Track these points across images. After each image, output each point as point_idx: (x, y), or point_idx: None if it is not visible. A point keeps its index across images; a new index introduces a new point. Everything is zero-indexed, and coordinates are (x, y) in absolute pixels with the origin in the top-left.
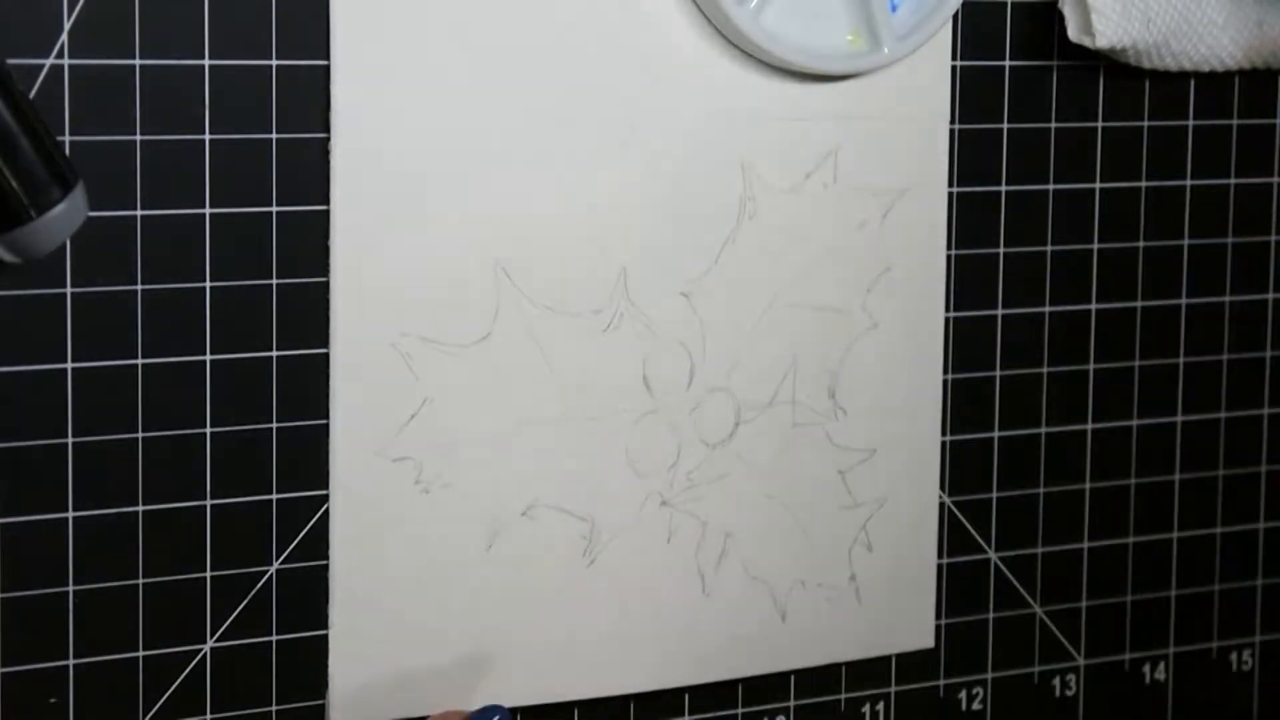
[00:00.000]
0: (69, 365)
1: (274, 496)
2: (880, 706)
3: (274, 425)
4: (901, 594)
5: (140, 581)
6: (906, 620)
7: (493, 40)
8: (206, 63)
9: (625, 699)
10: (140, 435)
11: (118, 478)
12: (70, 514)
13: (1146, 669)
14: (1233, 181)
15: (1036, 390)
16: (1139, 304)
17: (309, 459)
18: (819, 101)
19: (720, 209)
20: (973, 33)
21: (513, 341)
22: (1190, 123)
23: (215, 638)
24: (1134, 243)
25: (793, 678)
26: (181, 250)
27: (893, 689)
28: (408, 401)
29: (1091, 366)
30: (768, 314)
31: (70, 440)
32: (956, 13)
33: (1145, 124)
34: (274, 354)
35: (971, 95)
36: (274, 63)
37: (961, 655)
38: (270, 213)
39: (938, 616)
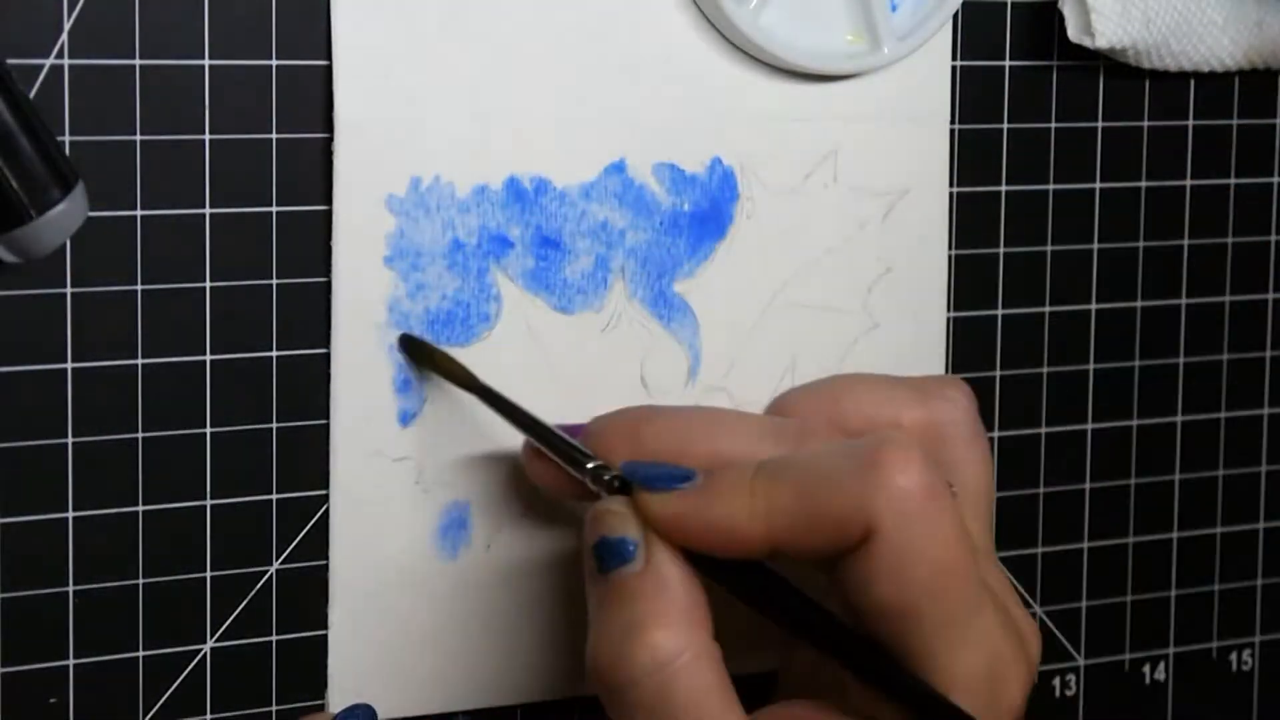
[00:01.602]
0: (69, 365)
1: (274, 496)
2: None
3: (274, 425)
4: None
5: (140, 581)
6: None
7: (493, 41)
8: (206, 63)
9: None
10: (140, 435)
11: (118, 478)
12: (70, 514)
13: (1146, 669)
14: (1233, 181)
15: (1036, 390)
16: (1139, 304)
17: (309, 459)
18: (819, 101)
19: (719, 209)
20: (973, 33)
21: (512, 341)
22: (1190, 123)
23: (215, 638)
24: (1134, 243)
25: None
26: (181, 250)
27: None
28: (407, 402)
29: (1091, 366)
30: (766, 314)
31: (70, 440)
32: (956, 13)
33: (1145, 124)
34: (274, 354)
35: (971, 95)
36: (274, 63)
37: None
38: (270, 213)
39: None
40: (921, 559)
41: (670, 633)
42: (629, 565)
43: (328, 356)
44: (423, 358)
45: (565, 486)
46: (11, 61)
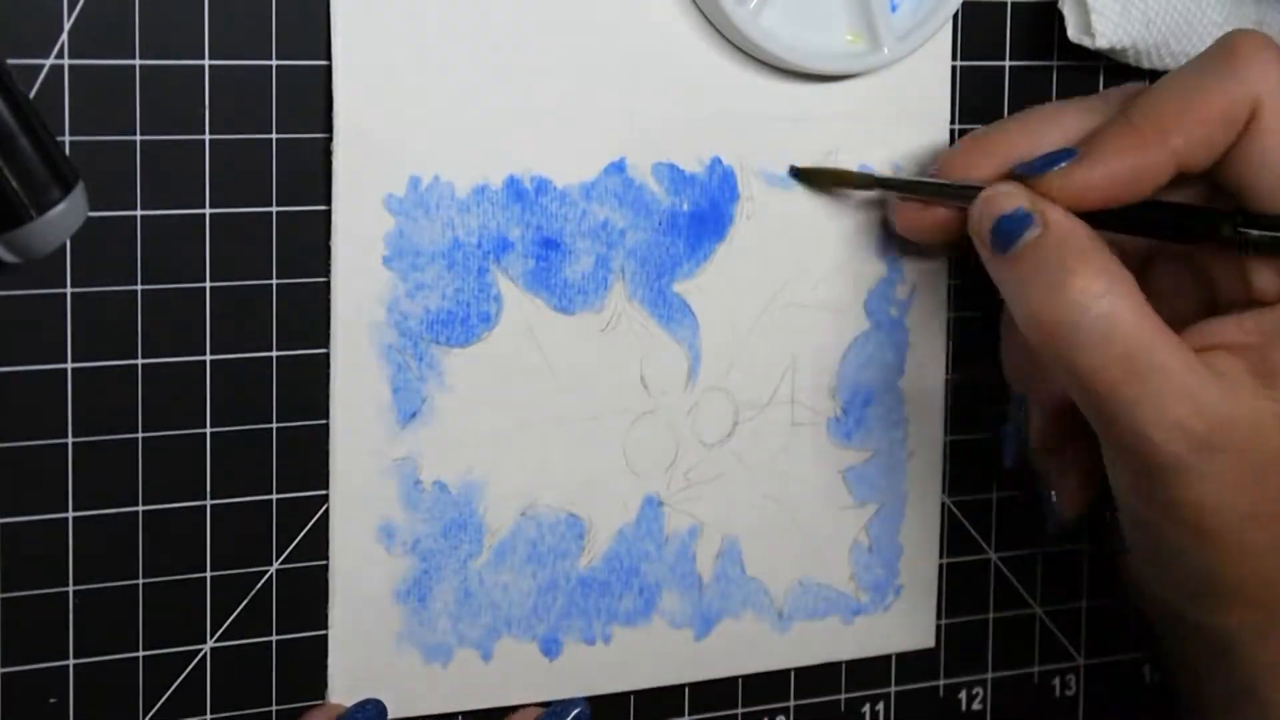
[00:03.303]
0: (69, 365)
1: (274, 496)
2: (880, 706)
3: (274, 425)
4: (901, 594)
5: (140, 581)
6: (906, 620)
7: (492, 40)
8: (206, 63)
9: (625, 697)
10: (140, 435)
11: (118, 478)
12: (70, 514)
13: (1146, 669)
14: None
15: None
16: None
17: (309, 459)
18: (819, 101)
19: (719, 209)
20: (973, 33)
21: (513, 341)
22: None
23: (215, 638)
24: None
25: (792, 677)
26: (181, 250)
27: (893, 689)
28: (407, 401)
29: None
30: (766, 314)
31: (70, 440)
32: (956, 13)
33: None
34: (274, 354)
35: (971, 95)
36: (274, 63)
37: (961, 655)
38: (270, 213)
39: (938, 616)
40: None
41: (1092, 271)
42: (1030, 231)
43: (328, 356)
44: (819, 181)
45: (939, 225)
46: (11, 61)
